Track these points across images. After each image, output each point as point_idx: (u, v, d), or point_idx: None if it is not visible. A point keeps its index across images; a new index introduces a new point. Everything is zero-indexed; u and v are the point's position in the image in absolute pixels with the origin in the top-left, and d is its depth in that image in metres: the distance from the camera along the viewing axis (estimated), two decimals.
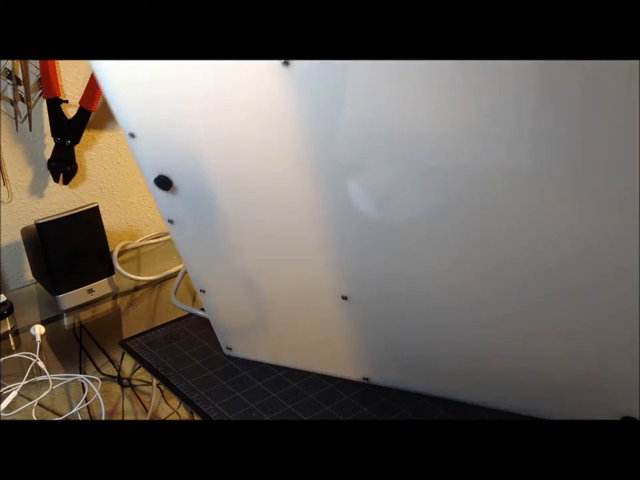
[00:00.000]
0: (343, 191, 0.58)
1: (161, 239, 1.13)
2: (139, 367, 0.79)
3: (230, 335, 0.78)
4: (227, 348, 0.79)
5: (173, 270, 1.02)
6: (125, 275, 0.98)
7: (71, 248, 0.91)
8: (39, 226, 0.88)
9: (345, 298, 0.66)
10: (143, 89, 0.60)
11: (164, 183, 0.65)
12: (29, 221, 0.98)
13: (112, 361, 0.81)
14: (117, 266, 0.99)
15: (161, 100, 0.60)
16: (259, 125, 0.57)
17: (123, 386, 0.77)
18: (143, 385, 0.76)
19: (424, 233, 0.57)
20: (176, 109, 0.60)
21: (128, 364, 0.81)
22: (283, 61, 0.51)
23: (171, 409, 0.73)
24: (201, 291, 0.75)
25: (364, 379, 0.73)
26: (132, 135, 0.64)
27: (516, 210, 0.52)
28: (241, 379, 0.75)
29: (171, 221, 0.69)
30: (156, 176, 0.66)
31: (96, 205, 0.92)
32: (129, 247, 1.09)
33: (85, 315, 0.93)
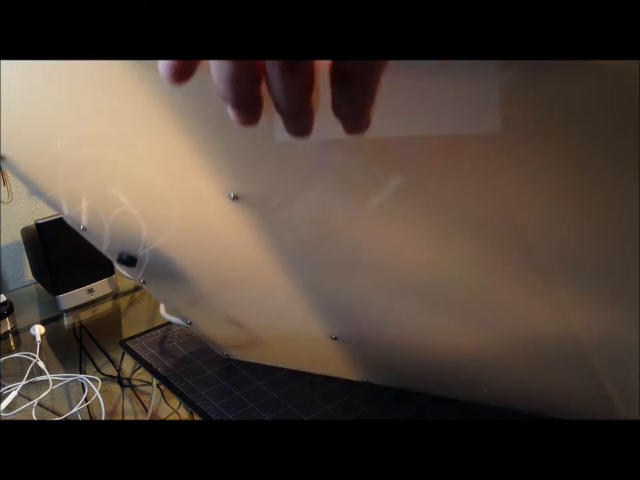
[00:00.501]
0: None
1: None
2: (139, 367, 0.79)
3: (225, 349, 0.78)
4: (224, 354, 0.79)
5: None
6: (124, 274, 0.98)
7: (71, 248, 0.91)
8: (38, 226, 0.88)
9: (335, 338, 0.66)
10: None
11: (130, 260, 0.66)
12: (29, 221, 0.98)
13: (112, 361, 0.81)
14: (118, 267, 0.98)
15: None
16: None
17: (123, 386, 0.77)
18: (143, 385, 0.76)
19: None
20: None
21: (128, 364, 0.81)
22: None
23: (171, 409, 0.73)
24: (188, 323, 0.74)
25: (363, 381, 0.73)
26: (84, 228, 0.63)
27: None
28: (240, 379, 0.75)
29: (143, 282, 0.69)
30: (118, 256, 0.66)
31: None
32: None
33: (85, 315, 0.93)
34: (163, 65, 0.36)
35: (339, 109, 0.33)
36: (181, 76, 0.35)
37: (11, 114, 0.52)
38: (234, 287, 0.65)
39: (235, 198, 0.52)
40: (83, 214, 0.61)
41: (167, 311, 0.82)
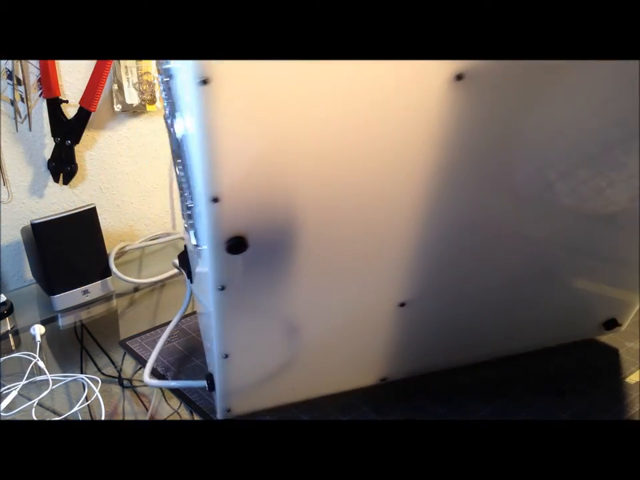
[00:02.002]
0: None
1: (160, 240, 1.13)
2: (139, 368, 0.79)
3: (236, 395, 0.69)
4: (227, 411, 0.70)
5: (170, 273, 1.01)
6: (120, 276, 0.98)
7: (67, 249, 0.91)
8: (34, 226, 0.88)
9: (402, 305, 0.65)
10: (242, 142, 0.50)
11: (238, 246, 0.54)
12: (29, 221, 0.98)
13: (112, 362, 0.81)
14: (113, 268, 0.98)
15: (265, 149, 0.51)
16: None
17: (123, 387, 0.77)
18: (144, 385, 0.76)
19: (489, 233, 0.62)
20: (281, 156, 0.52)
21: (128, 364, 0.81)
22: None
23: (171, 409, 0.73)
24: (224, 356, 0.64)
25: (381, 380, 0.73)
26: (215, 200, 0.51)
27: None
28: None
29: (222, 288, 0.58)
30: (229, 239, 0.54)
31: (93, 206, 0.92)
32: (127, 248, 1.09)
33: (86, 315, 0.93)
34: None
35: None
36: None
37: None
38: (321, 282, 0.62)
39: None
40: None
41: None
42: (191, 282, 0.78)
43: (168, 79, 0.56)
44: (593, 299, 0.75)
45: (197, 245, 0.59)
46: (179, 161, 0.58)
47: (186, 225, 0.65)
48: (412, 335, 0.70)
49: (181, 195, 0.61)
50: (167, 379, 0.76)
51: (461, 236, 0.61)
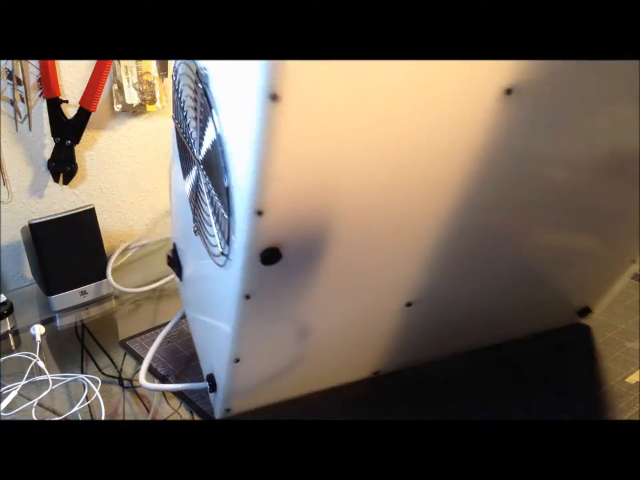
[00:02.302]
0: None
1: (160, 238, 1.13)
2: (140, 368, 0.79)
3: (237, 395, 0.69)
4: (226, 410, 0.70)
5: (167, 279, 0.99)
6: (114, 285, 0.96)
7: (65, 249, 0.91)
8: (32, 226, 0.88)
9: (409, 304, 0.66)
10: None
11: (273, 257, 0.54)
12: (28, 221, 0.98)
13: (113, 362, 0.81)
14: (109, 276, 0.96)
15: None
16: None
17: (124, 387, 0.77)
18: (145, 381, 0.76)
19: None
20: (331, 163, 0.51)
21: (129, 365, 0.81)
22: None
23: (171, 409, 0.73)
24: (235, 360, 0.64)
25: (374, 373, 0.74)
26: (259, 213, 0.50)
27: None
28: None
29: (247, 297, 0.57)
30: (265, 250, 0.53)
31: (92, 206, 0.92)
32: (130, 246, 1.09)
33: (86, 315, 0.93)
34: None
35: None
36: None
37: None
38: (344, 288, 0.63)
39: None
40: None
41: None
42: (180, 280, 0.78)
43: (199, 83, 0.54)
44: (570, 291, 0.81)
45: (222, 254, 0.57)
46: (206, 169, 0.57)
47: (196, 229, 0.64)
48: (412, 332, 0.71)
49: (197, 200, 0.61)
50: (167, 380, 0.76)
51: (467, 243, 0.63)
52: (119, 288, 0.96)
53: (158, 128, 1.08)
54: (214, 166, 0.56)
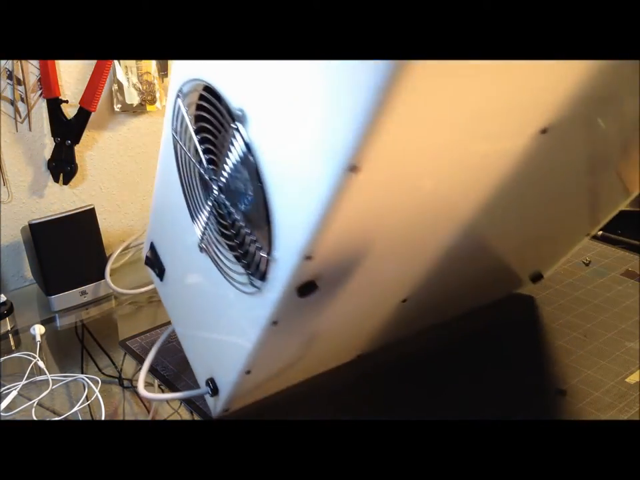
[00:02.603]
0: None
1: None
2: (140, 368, 0.79)
3: (237, 397, 0.69)
4: (225, 411, 0.70)
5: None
6: (112, 287, 0.95)
7: (65, 249, 0.91)
8: (32, 226, 0.88)
9: (404, 300, 0.69)
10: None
11: (311, 289, 0.54)
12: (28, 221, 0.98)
13: (113, 362, 0.81)
14: (108, 278, 0.95)
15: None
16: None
17: (124, 387, 0.77)
18: (144, 385, 0.76)
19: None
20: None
21: (129, 365, 0.81)
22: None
23: (171, 409, 0.73)
24: (247, 372, 0.64)
25: (357, 356, 0.77)
26: (308, 258, 0.51)
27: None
28: None
29: (274, 323, 0.57)
30: (303, 284, 0.54)
31: (92, 206, 0.92)
32: (130, 246, 1.08)
33: (86, 315, 0.93)
34: None
35: None
36: None
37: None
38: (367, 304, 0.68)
39: None
40: None
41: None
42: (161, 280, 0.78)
43: (233, 124, 0.52)
44: (528, 261, 0.85)
45: (252, 285, 0.57)
46: (229, 198, 0.57)
47: (205, 248, 0.64)
48: (402, 321, 0.74)
49: (208, 219, 0.61)
50: (167, 379, 0.76)
51: (460, 250, 0.66)
52: (117, 290, 0.95)
53: (158, 128, 1.08)
54: (243, 200, 0.56)
